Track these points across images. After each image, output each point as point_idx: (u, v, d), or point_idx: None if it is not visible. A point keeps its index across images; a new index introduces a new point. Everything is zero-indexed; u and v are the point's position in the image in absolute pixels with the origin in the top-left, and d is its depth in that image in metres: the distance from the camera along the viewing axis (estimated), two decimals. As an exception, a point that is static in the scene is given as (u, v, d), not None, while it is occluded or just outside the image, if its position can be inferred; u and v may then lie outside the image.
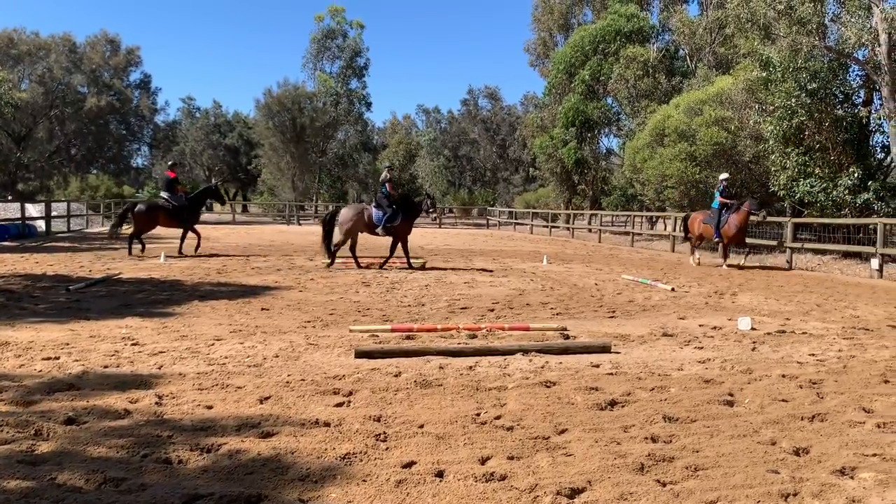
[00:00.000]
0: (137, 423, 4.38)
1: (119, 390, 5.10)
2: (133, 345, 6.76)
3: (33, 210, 30.15)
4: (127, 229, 18.66)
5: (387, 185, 15.40)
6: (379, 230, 15.00)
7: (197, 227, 18.18)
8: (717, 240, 17.61)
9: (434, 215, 15.39)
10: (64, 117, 49.60)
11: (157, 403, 4.80)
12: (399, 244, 15.37)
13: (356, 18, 58.04)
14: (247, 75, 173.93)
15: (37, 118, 48.47)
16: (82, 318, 8.10)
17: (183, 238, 18.18)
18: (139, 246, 17.51)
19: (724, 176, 18.12)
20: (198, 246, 18.14)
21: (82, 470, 3.53)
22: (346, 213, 15.26)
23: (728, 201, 17.27)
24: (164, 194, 18.00)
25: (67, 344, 6.69)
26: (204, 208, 20.22)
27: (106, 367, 5.86)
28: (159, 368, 5.86)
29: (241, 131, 71.74)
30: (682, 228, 19.73)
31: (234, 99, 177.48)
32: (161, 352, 6.49)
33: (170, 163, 19.20)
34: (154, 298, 9.94)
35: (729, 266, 17.21)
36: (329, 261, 15.12)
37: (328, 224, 15.30)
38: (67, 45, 50.41)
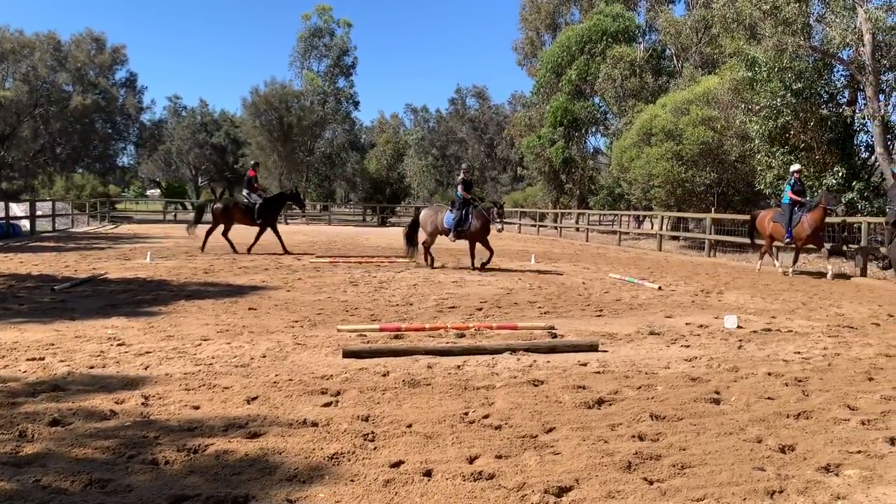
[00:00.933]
0: (123, 423, 4.35)
1: (105, 391, 5.07)
2: (119, 345, 6.71)
3: (17, 209, 29.86)
4: (194, 230, 19.10)
5: (459, 187, 14.91)
6: (451, 236, 14.62)
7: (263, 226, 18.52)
8: (787, 241, 15.43)
9: (500, 226, 14.35)
10: (49, 116, 49.15)
11: (143, 404, 4.77)
12: (476, 244, 14.83)
13: (343, 17, 58.00)
14: (233, 74, 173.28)
15: (21, 117, 48.02)
16: (67, 319, 8.03)
17: (257, 237, 18.55)
18: (215, 243, 18.21)
19: (795, 167, 15.91)
20: (282, 246, 18.57)
21: (68, 471, 3.51)
22: (424, 215, 15.37)
23: (800, 199, 15.26)
24: (244, 192, 18.59)
25: (52, 344, 6.64)
26: (284, 211, 20.47)
27: (91, 367, 5.81)
28: (146, 369, 5.83)
29: (227, 130, 71.37)
30: (748, 230, 17.23)
31: (220, 98, 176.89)
32: (147, 352, 6.45)
33: (252, 162, 19.75)
34: (140, 298, 9.88)
35: (791, 273, 15.50)
36: (409, 259, 15.48)
37: (412, 225, 15.53)
38: (52, 43, 49.96)
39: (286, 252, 18.23)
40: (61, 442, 3.97)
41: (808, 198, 15.68)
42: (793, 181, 15.54)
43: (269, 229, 18.51)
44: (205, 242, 18.24)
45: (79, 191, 47.12)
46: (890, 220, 5.87)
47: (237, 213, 18.03)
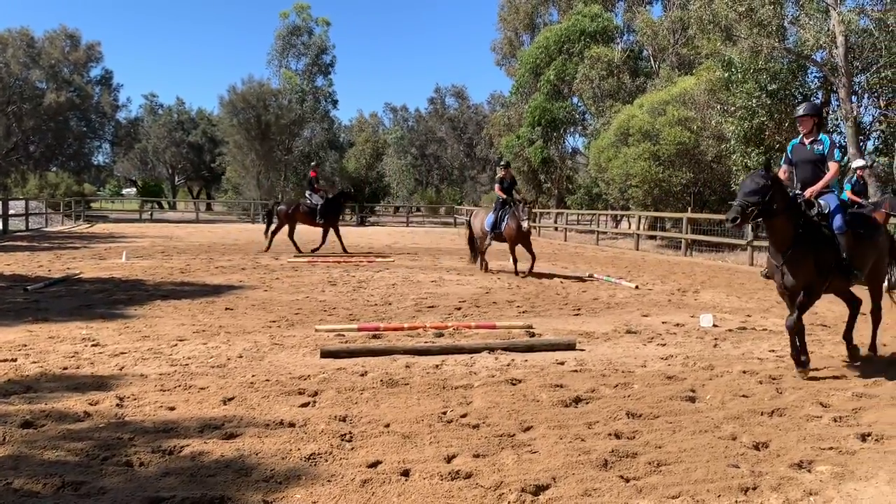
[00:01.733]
0: (97, 425, 4.30)
1: (79, 392, 5.01)
2: (93, 346, 6.64)
3: (-10, 208, 29.39)
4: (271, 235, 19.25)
5: (496, 186, 14.38)
6: (488, 238, 14.16)
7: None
8: None
9: (526, 224, 13.30)
10: (22, 113, 48.39)
11: (117, 405, 4.73)
12: (516, 247, 13.94)
13: (322, 16, 57.59)
14: (211, 72, 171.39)
15: (-7, 114, 47.27)
16: (41, 319, 7.93)
17: (324, 237, 18.77)
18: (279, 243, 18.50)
19: (858, 163, 14.22)
20: (318, 248, 18.52)
21: (40, 474, 3.47)
22: (472, 218, 15.25)
23: (860, 200, 13.20)
24: (307, 193, 18.95)
25: (25, 345, 6.55)
26: (344, 211, 20.53)
27: (65, 368, 5.74)
28: (120, 370, 5.77)
29: (204, 128, 70.67)
30: None
31: (197, 96, 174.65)
32: (122, 353, 6.38)
33: (312, 163, 20.18)
34: (115, 298, 9.77)
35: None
36: (475, 263, 15.05)
37: (470, 226, 15.36)
38: (25, 39, 49.16)
39: (345, 252, 18.38)
40: (33, 444, 3.92)
41: (867, 199, 13.86)
42: (854, 179, 13.80)
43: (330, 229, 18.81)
44: (269, 242, 18.49)
45: (53, 189, 46.42)
46: (730, 216, 5.85)
47: (300, 215, 18.42)
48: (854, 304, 6.84)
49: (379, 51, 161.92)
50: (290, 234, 18.40)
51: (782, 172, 6.52)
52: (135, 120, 60.89)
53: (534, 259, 13.86)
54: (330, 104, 57.44)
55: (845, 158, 20.80)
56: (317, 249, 18.26)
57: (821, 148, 6.27)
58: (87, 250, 18.22)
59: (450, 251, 21.26)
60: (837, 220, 6.03)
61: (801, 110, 6.47)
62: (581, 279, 13.62)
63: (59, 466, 3.61)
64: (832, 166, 6.22)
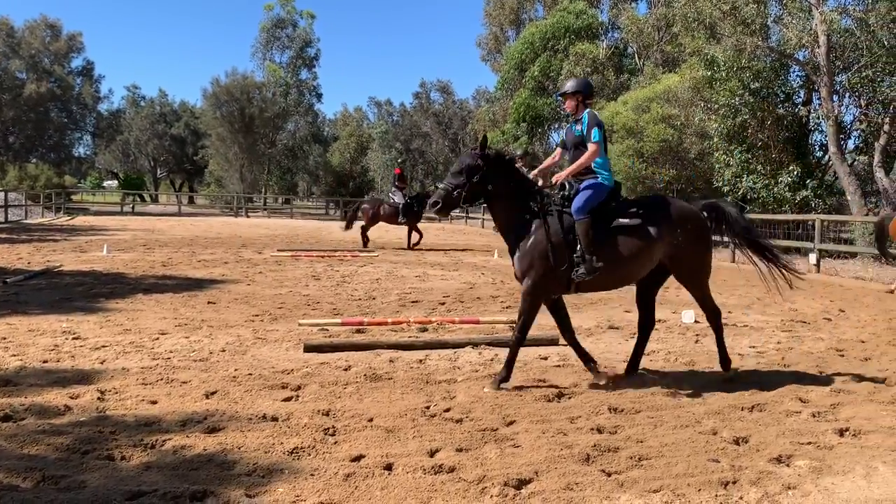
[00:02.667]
0: (78, 419, 4.27)
1: (59, 386, 4.97)
2: (74, 339, 6.59)
3: (-32, 200, 29.03)
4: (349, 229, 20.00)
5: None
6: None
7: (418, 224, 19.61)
8: None
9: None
10: (1, 104, 47.78)
11: (99, 399, 4.69)
12: None
13: (306, 8, 57.37)
14: (194, 64, 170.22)
15: (-29, 105, 46.64)
16: (20, 312, 7.85)
17: (409, 234, 19.50)
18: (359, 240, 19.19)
19: None
20: (417, 242, 19.47)
21: (20, 468, 3.43)
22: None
23: None
24: (391, 191, 19.80)
25: (4, 338, 6.49)
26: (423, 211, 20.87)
27: (45, 361, 5.70)
28: (102, 363, 5.73)
29: (187, 121, 70.05)
30: (876, 237, 12.90)
31: (180, 88, 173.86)
32: (103, 346, 6.34)
33: (399, 160, 20.83)
34: (96, 292, 9.69)
35: None
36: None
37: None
38: (4, 28, 48.49)
39: (410, 248, 19.14)
40: (13, 438, 3.88)
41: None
42: None
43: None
44: (365, 240, 19.05)
45: (33, 181, 45.84)
46: (431, 201, 5.49)
47: (384, 214, 19.16)
48: (644, 328, 5.84)
49: (364, 45, 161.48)
50: (365, 230, 19.24)
51: (552, 157, 6.10)
52: (116, 112, 60.29)
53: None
54: (314, 98, 57.25)
55: (826, 156, 21.02)
56: (416, 243, 19.37)
57: (580, 128, 5.61)
58: (67, 243, 18.06)
59: (434, 246, 21.26)
60: (575, 204, 5.37)
61: (563, 87, 5.82)
62: (506, 267, 13.67)
63: (40, 460, 3.58)
64: (590, 147, 5.49)
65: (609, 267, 5.30)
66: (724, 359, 5.80)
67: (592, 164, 5.55)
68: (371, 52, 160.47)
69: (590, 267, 5.24)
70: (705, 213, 5.86)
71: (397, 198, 19.22)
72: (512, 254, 5.50)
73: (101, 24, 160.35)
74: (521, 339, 5.46)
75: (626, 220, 5.42)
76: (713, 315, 5.86)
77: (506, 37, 48.93)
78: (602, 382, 5.39)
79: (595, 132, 5.50)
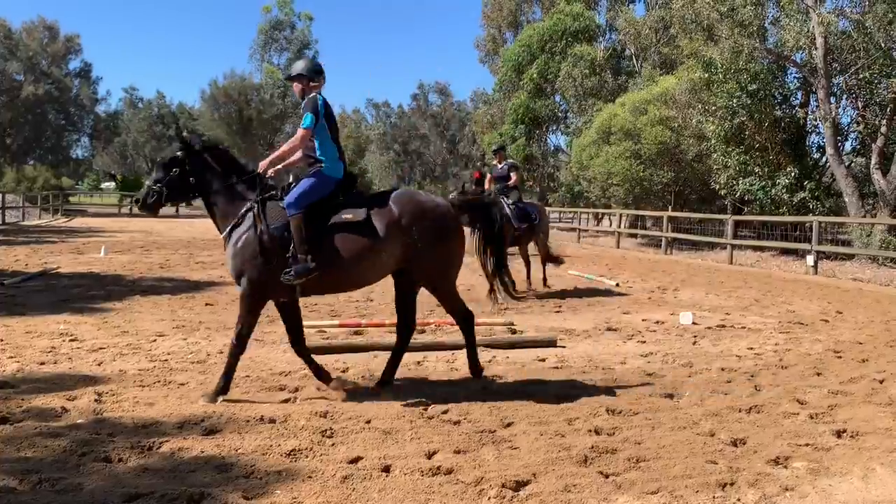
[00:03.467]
0: (75, 421, 4.26)
1: (56, 388, 4.96)
2: (71, 341, 6.57)
3: (-35, 202, 28.96)
4: None
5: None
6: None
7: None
8: None
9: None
10: (-2, 106, 47.77)
11: (96, 401, 4.68)
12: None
13: (305, 10, 57.39)
14: (192, 66, 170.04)
15: (-31, 106, 46.59)
16: (17, 314, 7.84)
17: None
18: None
19: None
20: None
21: (17, 470, 3.43)
22: None
23: None
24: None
25: (1, 340, 6.48)
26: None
27: (42, 364, 5.69)
28: (99, 365, 5.72)
29: (185, 123, 70.15)
30: None
31: (178, 90, 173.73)
32: (101, 348, 6.33)
33: (478, 163, 20.17)
34: (94, 293, 9.67)
35: None
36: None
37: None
38: (2, 30, 48.48)
39: None
40: (10, 440, 3.87)
41: None
42: None
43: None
44: None
45: (30, 183, 45.83)
46: (135, 198, 5.09)
47: None
48: (401, 332, 5.35)
49: (362, 47, 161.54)
50: None
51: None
52: (114, 113, 60.29)
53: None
54: (313, 99, 57.19)
55: (823, 158, 21.02)
56: None
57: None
58: (65, 245, 18.03)
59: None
60: (288, 198, 4.87)
61: (291, 69, 5.30)
62: (561, 277, 13.67)
63: (37, 463, 3.57)
64: (298, 132, 5.02)
65: (328, 269, 4.80)
66: (475, 365, 5.53)
67: (318, 154, 5.09)
68: (369, 54, 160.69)
69: (302, 268, 4.73)
70: (466, 209, 5.57)
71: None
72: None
73: (98, 25, 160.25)
74: (239, 348, 4.95)
75: (348, 216, 4.90)
76: (464, 319, 5.49)
77: (504, 39, 48.93)
78: (336, 395, 4.94)
79: (307, 117, 4.98)
